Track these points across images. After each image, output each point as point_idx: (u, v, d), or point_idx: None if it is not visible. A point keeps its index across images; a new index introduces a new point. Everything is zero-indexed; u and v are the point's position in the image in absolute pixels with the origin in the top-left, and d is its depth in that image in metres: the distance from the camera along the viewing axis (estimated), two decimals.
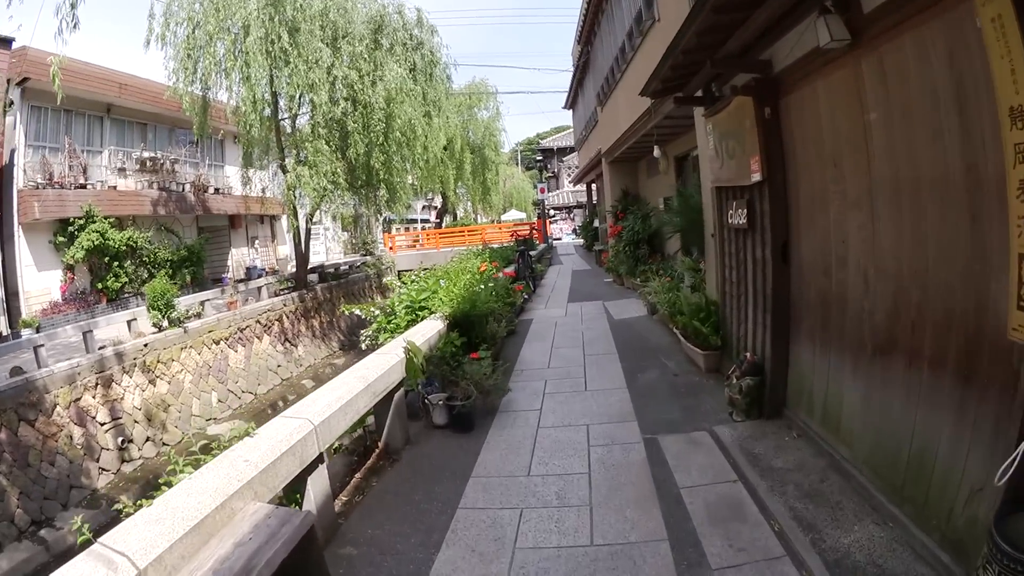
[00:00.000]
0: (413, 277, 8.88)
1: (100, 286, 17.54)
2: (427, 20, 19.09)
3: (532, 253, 14.97)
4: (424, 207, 44.29)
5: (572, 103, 24.45)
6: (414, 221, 43.25)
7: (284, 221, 32.60)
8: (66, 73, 9.95)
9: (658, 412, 5.10)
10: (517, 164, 56.89)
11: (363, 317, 8.58)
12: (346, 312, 12.02)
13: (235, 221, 26.37)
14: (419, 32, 18.54)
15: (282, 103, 18.78)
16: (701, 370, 6.06)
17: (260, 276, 24.99)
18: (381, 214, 19.67)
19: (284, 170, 17.59)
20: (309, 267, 24.64)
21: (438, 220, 40.60)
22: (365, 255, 28.03)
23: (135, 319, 14.53)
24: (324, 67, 16.34)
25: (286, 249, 33.48)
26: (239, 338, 16.80)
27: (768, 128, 4.30)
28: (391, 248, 29.53)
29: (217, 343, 15.71)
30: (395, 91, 17.05)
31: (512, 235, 29.84)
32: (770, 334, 4.55)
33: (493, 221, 47.25)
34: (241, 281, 24.22)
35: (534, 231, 28.05)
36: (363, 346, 7.69)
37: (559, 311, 10.48)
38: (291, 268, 30.77)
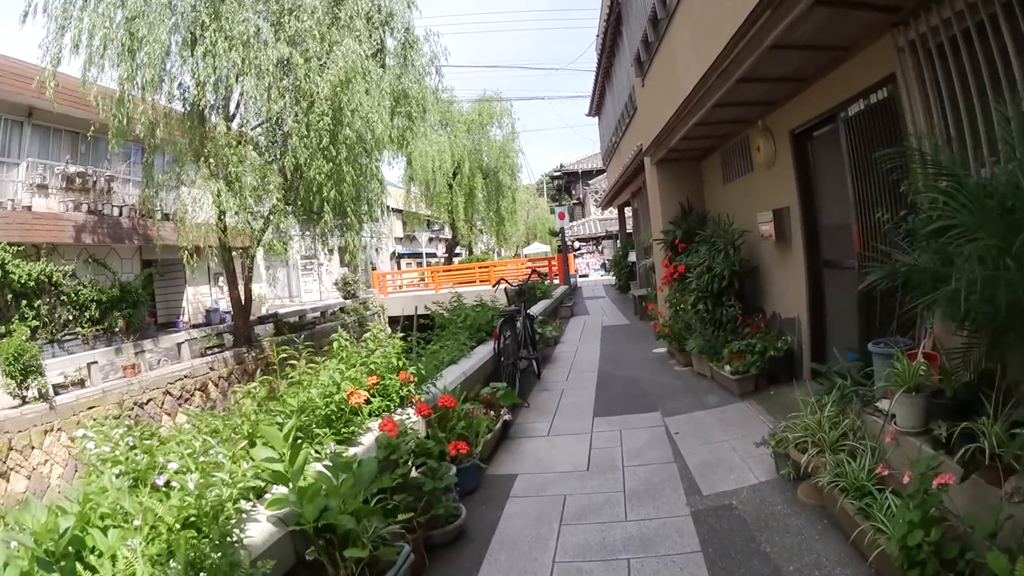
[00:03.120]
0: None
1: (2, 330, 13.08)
2: None
3: (537, 311, 9.76)
4: (431, 239, 39.57)
5: (597, 106, 19.48)
6: (418, 255, 38.53)
7: (260, 254, 28.37)
8: None
9: None
10: (543, 195, 52.10)
11: None
12: None
13: (194, 254, 21.76)
14: (387, 1, 13.79)
15: (211, 96, 14.07)
16: None
17: (223, 321, 20.25)
18: (326, 243, 14.77)
19: (183, 183, 12.95)
20: (266, 314, 19.94)
21: (447, 255, 35.77)
22: (346, 297, 23.16)
23: None
24: (256, 46, 11.72)
25: (260, 288, 28.98)
26: (135, 416, 12.07)
27: None
28: (380, 289, 24.65)
29: (103, 423, 10.80)
30: (348, 74, 12.26)
31: (524, 274, 24.92)
32: None
33: (517, 256, 42.49)
34: (199, 326, 19.50)
35: (549, 269, 22.79)
36: None
37: (574, 449, 5.02)
38: (265, 309, 26.31)
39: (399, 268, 40.91)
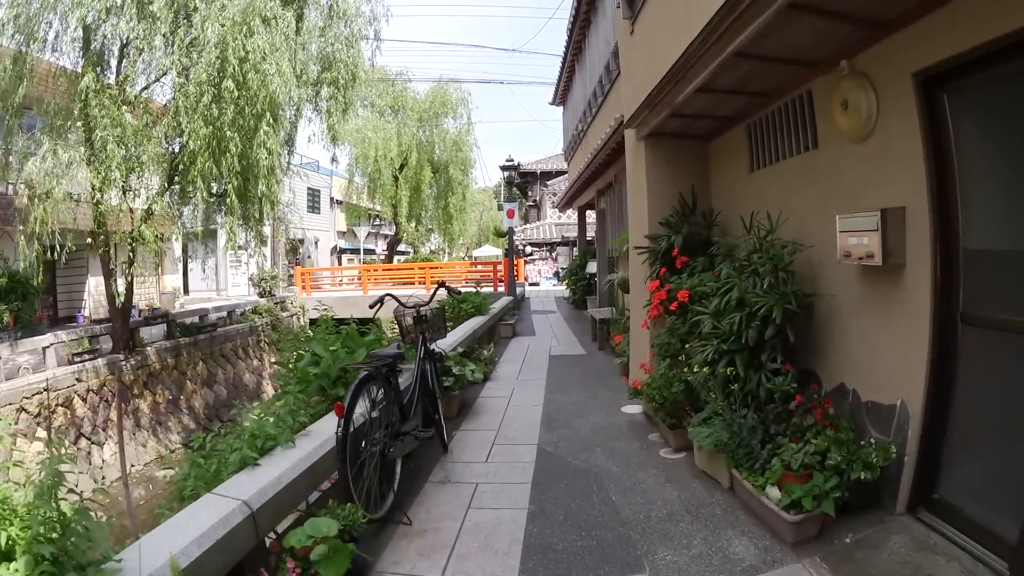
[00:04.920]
0: None
1: None
2: None
3: (453, 343, 6.77)
4: (370, 234, 36.32)
5: (564, 92, 16.82)
6: (356, 251, 35.30)
7: (176, 243, 24.73)
8: None
9: None
10: (499, 199, 48.96)
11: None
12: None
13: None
14: None
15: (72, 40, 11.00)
16: None
17: (133, 316, 16.76)
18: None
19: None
20: (153, 315, 16.49)
21: (387, 252, 32.61)
22: (261, 295, 19.87)
23: None
24: None
25: (175, 279, 25.35)
26: None
27: None
28: (303, 287, 21.41)
29: None
30: (244, 16, 9.27)
31: (468, 279, 21.99)
32: None
33: (469, 258, 39.52)
34: (101, 321, 16.06)
35: (494, 276, 19.95)
36: None
37: None
38: (179, 305, 22.74)
39: (340, 264, 37.51)
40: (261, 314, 18.23)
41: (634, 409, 5.91)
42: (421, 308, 4.69)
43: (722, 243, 4.62)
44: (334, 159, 14.83)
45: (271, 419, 3.61)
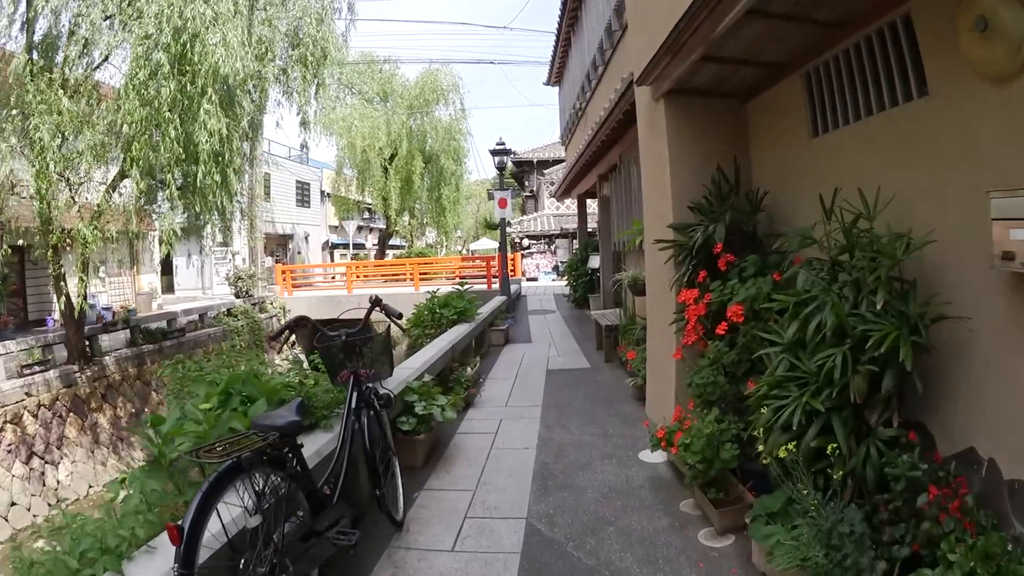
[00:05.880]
0: None
1: None
2: None
3: (412, 373, 5.10)
4: (360, 228, 34.90)
5: (559, 70, 15.35)
6: (347, 245, 33.97)
7: (155, 241, 23.30)
8: None
9: None
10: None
11: None
12: None
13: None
14: None
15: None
16: None
17: (101, 319, 15.42)
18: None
19: None
20: (113, 319, 15.05)
21: (378, 247, 31.21)
22: (237, 295, 18.47)
23: None
24: None
25: (152, 279, 23.95)
26: None
27: None
28: (284, 286, 20.02)
29: None
30: None
31: (460, 274, 20.52)
32: None
33: (467, 252, 38.04)
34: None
35: (488, 273, 18.50)
36: None
37: None
38: (157, 305, 21.38)
39: (332, 260, 36.10)
40: (236, 316, 16.81)
41: (657, 458, 4.50)
42: (352, 336, 3.26)
43: (791, 233, 3.19)
44: (304, 146, 13.21)
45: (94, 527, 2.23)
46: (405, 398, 4.54)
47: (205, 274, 28.31)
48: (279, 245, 33.05)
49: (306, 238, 34.72)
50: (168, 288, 27.31)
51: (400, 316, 3.50)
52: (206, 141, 8.39)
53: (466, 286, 8.91)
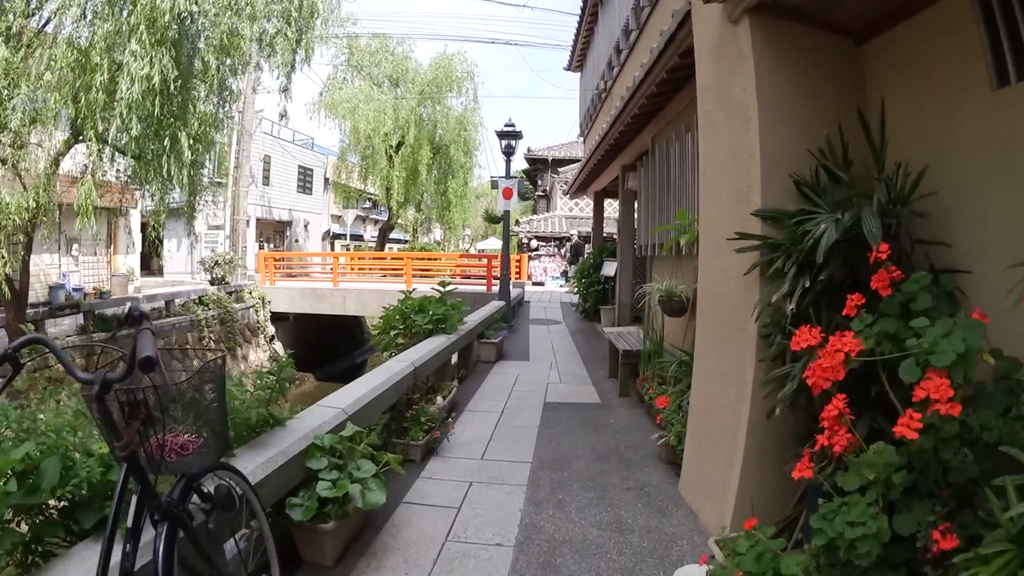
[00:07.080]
0: None
1: None
2: None
3: (336, 413, 3.37)
4: (359, 218, 33.25)
5: (582, 52, 13.63)
6: (342, 236, 32.40)
7: (135, 216, 21.75)
8: None
9: None
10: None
11: None
12: None
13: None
14: None
15: None
16: None
17: (70, 298, 13.82)
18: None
19: None
20: (64, 303, 13.39)
21: (378, 239, 29.58)
22: (212, 283, 16.82)
23: None
24: None
25: (131, 259, 22.39)
26: None
27: None
28: (265, 275, 18.37)
29: None
30: None
31: (460, 272, 18.81)
32: None
33: (476, 251, 36.35)
34: (39, 306, 12.89)
35: (488, 275, 16.79)
36: None
37: None
38: (134, 288, 19.78)
39: (332, 250, 34.50)
40: (207, 306, 15.14)
41: (698, 572, 2.76)
42: (123, 378, 1.56)
43: None
44: (283, 115, 11.51)
45: None
46: (306, 462, 2.82)
47: (195, 258, 26.81)
48: (276, 232, 31.44)
49: (306, 226, 33.12)
50: (158, 271, 25.77)
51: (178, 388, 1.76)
52: (127, 89, 6.71)
53: (450, 286, 7.11)
